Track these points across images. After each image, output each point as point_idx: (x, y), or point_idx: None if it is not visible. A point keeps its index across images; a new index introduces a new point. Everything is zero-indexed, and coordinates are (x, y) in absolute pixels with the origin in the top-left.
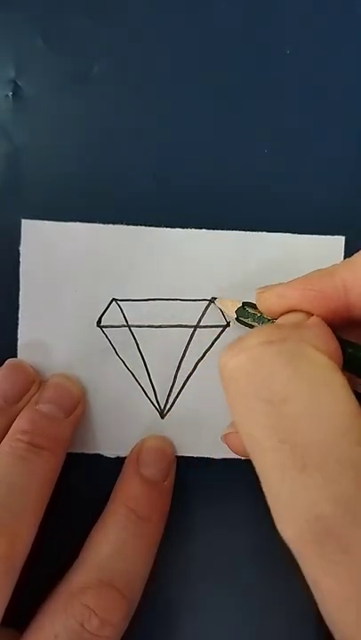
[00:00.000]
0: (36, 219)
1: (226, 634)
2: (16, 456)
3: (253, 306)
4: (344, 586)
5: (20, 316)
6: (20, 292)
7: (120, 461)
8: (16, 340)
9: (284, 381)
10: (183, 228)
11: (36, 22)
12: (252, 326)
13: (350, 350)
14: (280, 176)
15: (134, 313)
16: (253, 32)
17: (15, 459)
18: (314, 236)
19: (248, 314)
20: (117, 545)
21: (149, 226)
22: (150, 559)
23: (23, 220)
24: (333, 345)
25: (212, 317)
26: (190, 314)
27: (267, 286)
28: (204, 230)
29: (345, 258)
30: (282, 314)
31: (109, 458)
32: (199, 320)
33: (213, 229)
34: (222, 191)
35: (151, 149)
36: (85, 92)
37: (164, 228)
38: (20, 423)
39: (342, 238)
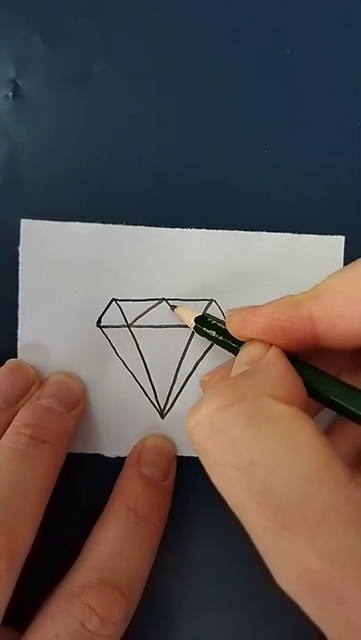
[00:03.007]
0: (35, 219)
1: (226, 634)
2: (17, 452)
3: (214, 318)
4: (343, 632)
5: (19, 315)
6: (20, 292)
7: (120, 461)
8: (16, 339)
9: (247, 444)
10: (183, 228)
11: (36, 22)
12: (210, 337)
13: (312, 381)
14: (280, 176)
15: (134, 313)
16: (253, 32)
17: (16, 455)
18: (314, 235)
19: (208, 324)
20: (117, 544)
21: (149, 226)
22: (150, 558)
23: (22, 220)
24: (292, 384)
25: None
26: None
27: (237, 309)
28: (204, 230)
29: (345, 258)
30: (248, 338)
31: (109, 458)
32: None
33: (213, 229)
34: (222, 191)
35: (151, 149)
36: (85, 91)
37: (164, 228)
38: (22, 416)
39: (342, 238)
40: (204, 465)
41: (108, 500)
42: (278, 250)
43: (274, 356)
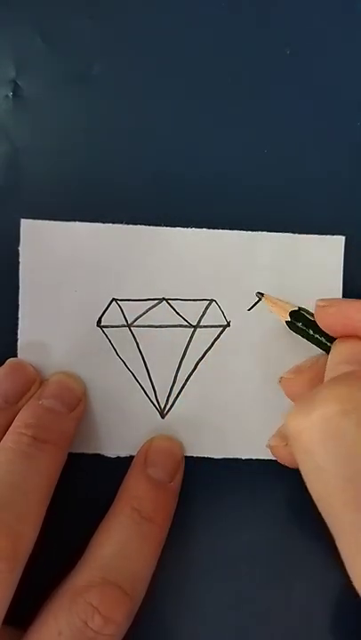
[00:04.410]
0: (35, 219)
1: (226, 634)
2: (19, 452)
3: (306, 311)
4: None
5: (20, 315)
6: (20, 292)
7: (120, 461)
8: (16, 339)
9: None
10: (183, 227)
11: (36, 22)
12: (305, 333)
13: None
14: (280, 176)
15: (134, 313)
16: (253, 32)
17: (18, 456)
18: (314, 235)
19: (305, 321)
20: (121, 544)
21: (149, 226)
22: (154, 559)
23: (22, 220)
24: None
25: (212, 317)
26: (190, 314)
27: (330, 300)
28: (204, 230)
29: (345, 258)
30: (343, 334)
31: (109, 458)
32: (199, 320)
33: (213, 229)
34: (222, 191)
35: (151, 149)
36: (85, 91)
37: (164, 228)
38: (23, 417)
39: (342, 238)
40: (304, 467)
41: (108, 499)
42: (278, 250)
43: None
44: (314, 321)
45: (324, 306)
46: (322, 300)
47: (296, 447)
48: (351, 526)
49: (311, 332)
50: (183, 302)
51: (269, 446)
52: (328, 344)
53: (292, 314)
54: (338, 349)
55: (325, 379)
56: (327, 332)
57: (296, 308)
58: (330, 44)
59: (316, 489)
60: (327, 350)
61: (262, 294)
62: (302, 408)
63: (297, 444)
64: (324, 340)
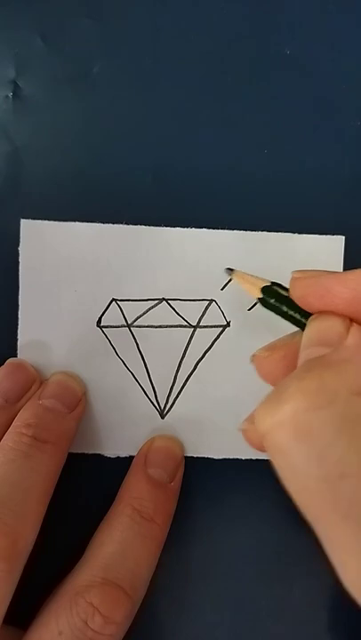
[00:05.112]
0: (35, 219)
1: (226, 634)
2: (19, 452)
3: (281, 287)
4: None
5: (19, 315)
6: (20, 292)
7: (120, 461)
8: (16, 339)
9: (339, 455)
10: (183, 227)
11: (36, 22)
12: (278, 310)
13: None
14: (280, 176)
15: (134, 313)
16: (253, 32)
17: (18, 455)
18: (314, 235)
19: (279, 297)
20: (122, 545)
21: (149, 226)
22: (154, 559)
23: (22, 220)
24: None
25: (212, 317)
26: (190, 314)
27: (307, 271)
28: (204, 230)
29: (345, 258)
30: (319, 309)
31: (109, 458)
32: (199, 320)
33: (213, 229)
34: (222, 191)
35: (151, 149)
36: (85, 91)
37: (164, 228)
38: (23, 416)
39: (342, 238)
40: (279, 469)
41: (108, 499)
42: (278, 250)
43: (357, 339)
44: (288, 297)
45: (299, 277)
46: (298, 271)
47: (267, 444)
48: (335, 527)
49: (285, 309)
50: (183, 302)
51: (240, 430)
52: (304, 320)
53: (264, 290)
54: (312, 327)
55: (299, 361)
56: (302, 306)
57: (269, 284)
58: (330, 44)
59: (291, 486)
60: (303, 328)
61: (232, 270)
62: (271, 403)
63: (268, 441)
64: (299, 317)
